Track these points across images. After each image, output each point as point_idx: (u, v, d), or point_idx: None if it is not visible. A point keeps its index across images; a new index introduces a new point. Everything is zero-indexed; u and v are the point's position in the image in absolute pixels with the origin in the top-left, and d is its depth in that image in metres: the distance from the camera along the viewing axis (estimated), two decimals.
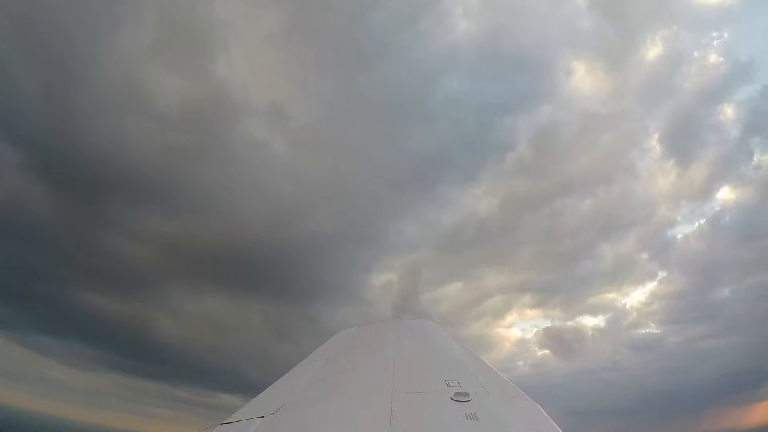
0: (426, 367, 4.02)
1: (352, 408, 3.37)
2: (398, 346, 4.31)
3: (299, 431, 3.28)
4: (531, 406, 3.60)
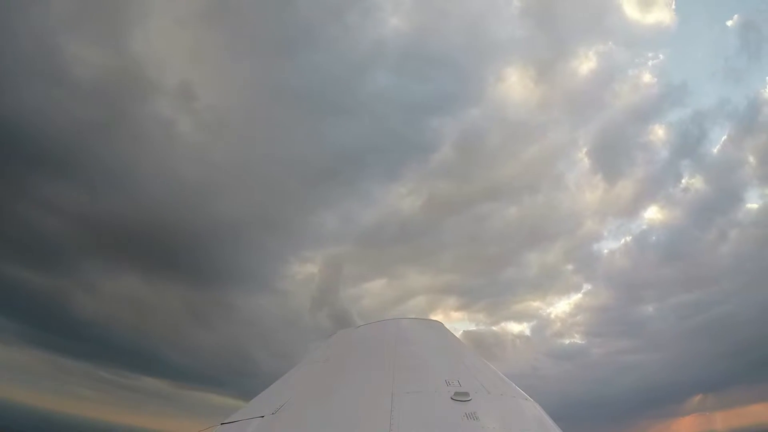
0: (426, 367, 4.01)
1: (352, 408, 3.37)
2: (398, 346, 4.31)
3: (299, 431, 3.28)
4: (531, 405, 3.60)
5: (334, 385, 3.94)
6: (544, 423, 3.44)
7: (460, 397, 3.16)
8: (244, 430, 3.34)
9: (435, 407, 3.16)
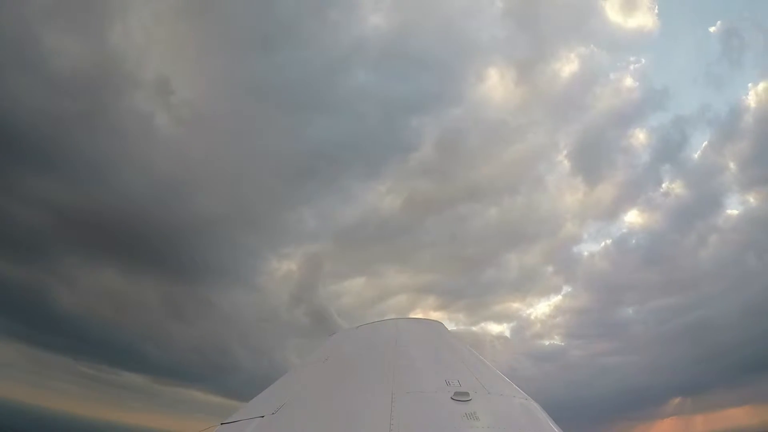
0: (426, 367, 4.01)
1: (352, 408, 3.37)
2: (398, 346, 4.30)
3: (299, 431, 3.28)
4: (531, 405, 3.59)
5: (334, 385, 3.94)
6: (544, 423, 3.42)
7: (460, 397, 3.16)
8: (244, 430, 3.35)
9: (435, 407, 3.15)
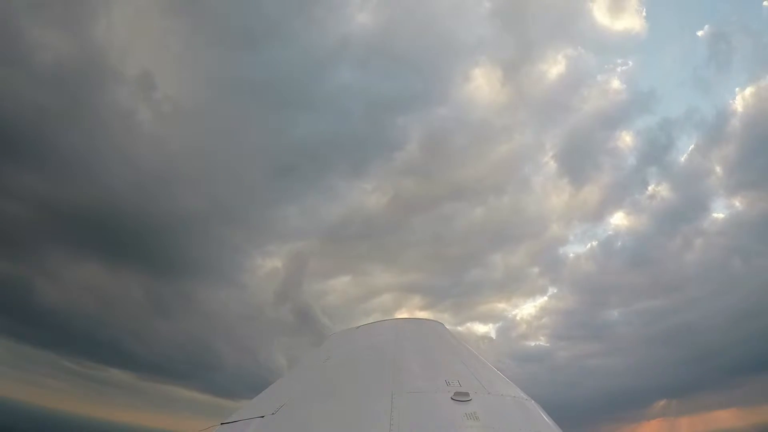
0: (426, 367, 4.03)
1: (352, 408, 3.38)
2: (398, 346, 4.32)
3: (299, 431, 3.29)
4: (531, 405, 3.63)
5: (334, 385, 3.95)
6: (544, 423, 3.47)
7: (460, 397, 3.17)
8: (244, 430, 3.35)
9: (435, 407, 3.17)
